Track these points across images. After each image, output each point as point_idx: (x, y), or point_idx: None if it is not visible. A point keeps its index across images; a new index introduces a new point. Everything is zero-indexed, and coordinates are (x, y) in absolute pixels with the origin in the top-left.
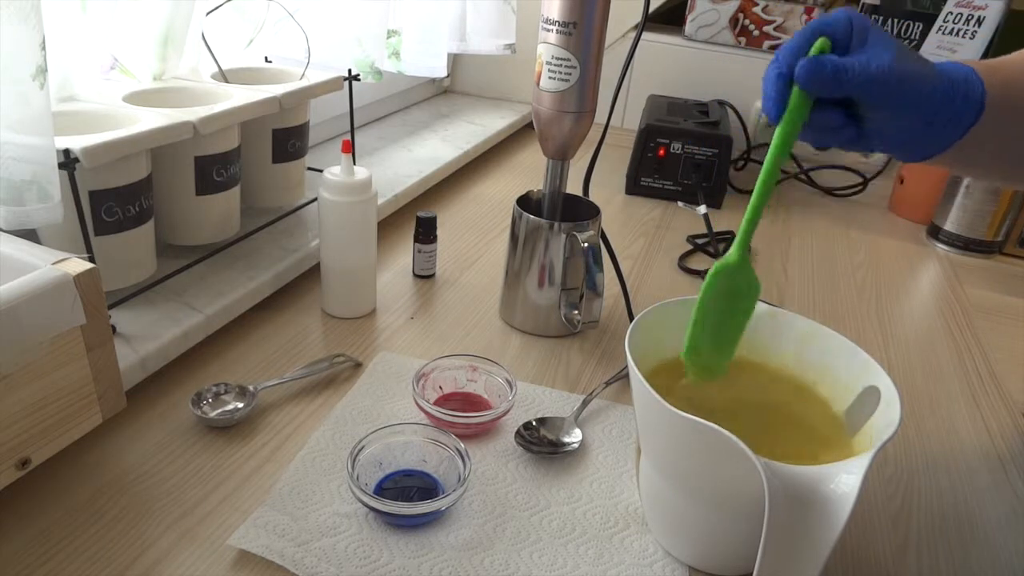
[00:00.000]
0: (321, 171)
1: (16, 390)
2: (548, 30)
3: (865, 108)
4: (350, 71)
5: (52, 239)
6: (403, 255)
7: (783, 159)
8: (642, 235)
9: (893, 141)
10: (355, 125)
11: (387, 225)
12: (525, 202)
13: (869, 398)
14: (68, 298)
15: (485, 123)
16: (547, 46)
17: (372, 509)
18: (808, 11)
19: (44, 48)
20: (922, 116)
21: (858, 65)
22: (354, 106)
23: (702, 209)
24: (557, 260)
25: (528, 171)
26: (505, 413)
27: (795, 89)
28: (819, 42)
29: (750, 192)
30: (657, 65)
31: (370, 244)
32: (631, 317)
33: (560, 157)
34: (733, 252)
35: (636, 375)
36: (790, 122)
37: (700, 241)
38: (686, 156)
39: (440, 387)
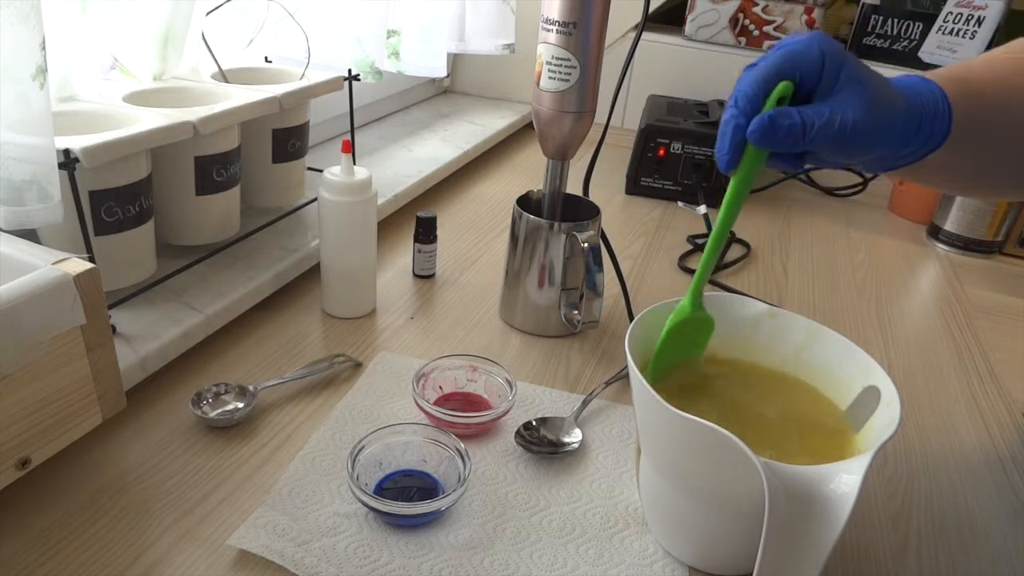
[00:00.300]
0: (321, 171)
1: (16, 390)
2: (548, 30)
3: (826, 154)
4: (350, 71)
5: (52, 239)
6: (403, 255)
7: (737, 212)
8: (642, 235)
9: (846, 165)
10: (355, 125)
11: (387, 225)
12: (525, 202)
13: (869, 398)
14: (68, 298)
15: (485, 123)
16: (547, 46)
17: (372, 509)
18: (808, 11)
19: (44, 48)
20: (887, 151)
21: (819, 123)
22: (354, 106)
23: (702, 209)
24: (557, 260)
25: (528, 171)
26: (505, 413)
27: (749, 145)
28: (780, 87)
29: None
30: (657, 65)
31: (370, 244)
32: (631, 317)
33: (560, 157)
34: (686, 304)
35: (636, 375)
36: (743, 178)
37: (700, 241)
38: (686, 156)
39: (440, 387)
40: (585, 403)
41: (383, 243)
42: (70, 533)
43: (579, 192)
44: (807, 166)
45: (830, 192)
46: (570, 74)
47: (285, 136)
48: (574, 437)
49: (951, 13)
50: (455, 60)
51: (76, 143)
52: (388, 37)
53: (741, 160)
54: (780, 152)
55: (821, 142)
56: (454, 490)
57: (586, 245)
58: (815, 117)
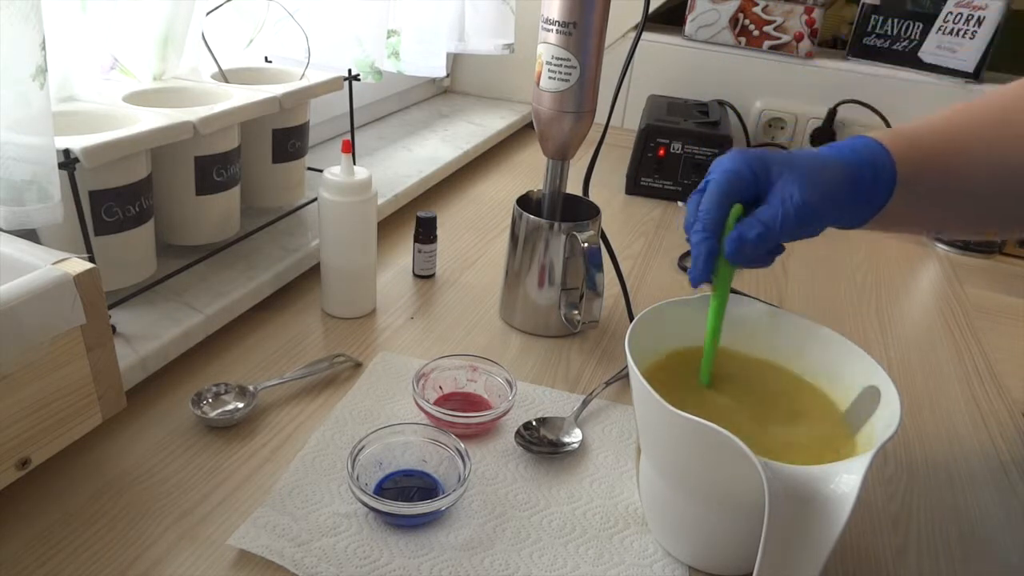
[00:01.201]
0: (321, 171)
1: (16, 390)
2: (548, 30)
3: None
4: (350, 71)
5: (52, 239)
6: (403, 255)
7: (721, 320)
8: (642, 235)
9: (821, 231)
10: (355, 125)
11: (387, 225)
12: (525, 202)
13: (869, 398)
14: (68, 298)
15: (485, 123)
16: (547, 46)
17: (372, 509)
18: (808, 11)
19: (44, 48)
20: (840, 215)
21: (777, 217)
22: (354, 106)
23: None
24: (557, 260)
25: (528, 171)
26: (505, 413)
27: (722, 262)
28: (735, 210)
29: None
30: (657, 65)
31: (370, 244)
32: (631, 317)
33: (560, 157)
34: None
35: (636, 375)
36: (723, 292)
37: None
38: (686, 156)
39: (440, 387)
40: (585, 403)
41: (383, 243)
42: (70, 533)
43: (579, 192)
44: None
45: None
46: (570, 74)
47: (285, 136)
48: (574, 437)
49: (951, 13)
50: (455, 60)
51: (76, 143)
52: (388, 37)
53: (716, 276)
54: (756, 261)
55: (787, 231)
56: (454, 490)
57: (586, 245)
58: (771, 214)
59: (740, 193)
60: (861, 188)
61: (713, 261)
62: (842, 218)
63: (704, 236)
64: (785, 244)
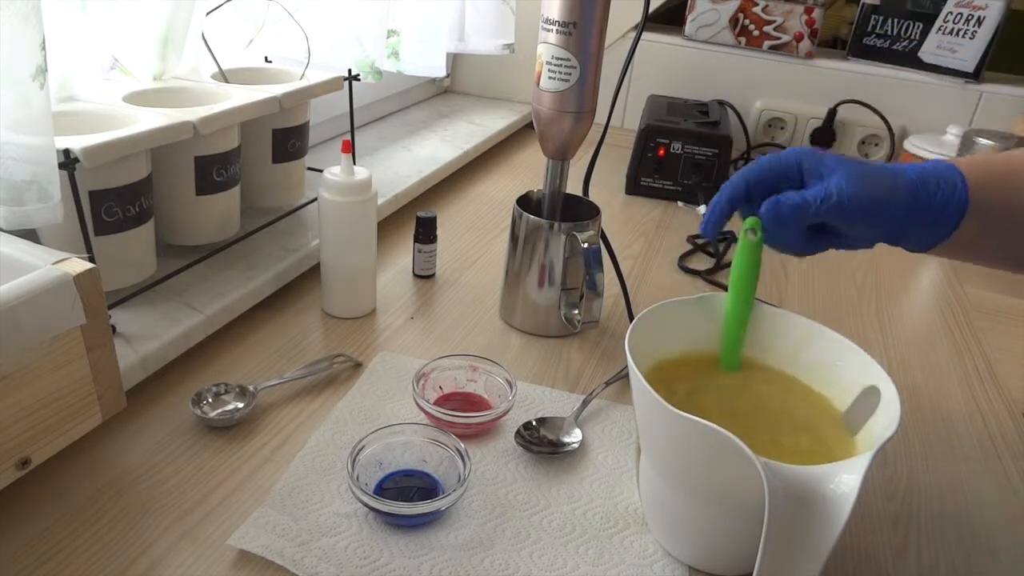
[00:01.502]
0: (321, 171)
1: (16, 390)
2: (548, 30)
3: (844, 231)
4: (350, 71)
5: (52, 239)
6: (403, 255)
7: (747, 298)
8: (642, 235)
9: (874, 242)
10: (355, 125)
11: (387, 225)
12: (525, 202)
13: (869, 398)
14: (68, 298)
15: (485, 123)
16: (547, 46)
17: (372, 509)
18: (808, 11)
19: (44, 48)
20: (893, 225)
21: (819, 197)
22: (354, 106)
23: (702, 209)
24: (557, 260)
25: (528, 171)
26: (505, 413)
27: (744, 239)
28: (748, 221)
29: None
30: (657, 65)
31: (370, 244)
32: (631, 317)
33: (560, 157)
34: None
35: (636, 375)
36: (741, 277)
37: (700, 241)
38: (686, 156)
39: (440, 387)
40: (585, 403)
41: (383, 243)
42: (70, 533)
43: (579, 192)
44: (832, 247)
45: None
46: (570, 74)
47: (285, 136)
48: (574, 437)
49: (951, 13)
50: (455, 60)
51: (76, 143)
52: (388, 37)
53: (736, 258)
54: (788, 239)
55: (826, 214)
56: (454, 490)
57: (586, 245)
58: (814, 192)
59: (775, 178)
60: (927, 206)
61: (720, 218)
62: (907, 236)
63: (717, 197)
64: (843, 242)
